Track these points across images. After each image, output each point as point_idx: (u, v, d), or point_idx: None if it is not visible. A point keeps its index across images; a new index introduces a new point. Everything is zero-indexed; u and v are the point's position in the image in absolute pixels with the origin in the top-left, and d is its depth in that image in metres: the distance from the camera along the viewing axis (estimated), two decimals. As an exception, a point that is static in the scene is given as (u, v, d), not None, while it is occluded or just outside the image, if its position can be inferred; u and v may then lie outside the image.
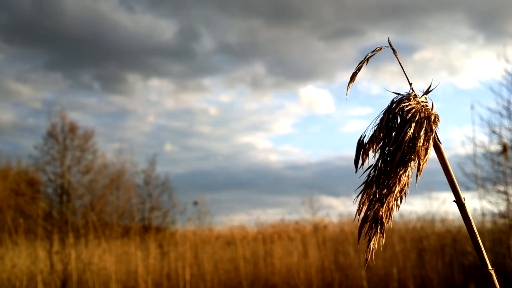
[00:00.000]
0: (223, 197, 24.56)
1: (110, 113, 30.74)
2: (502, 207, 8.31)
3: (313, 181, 26.23)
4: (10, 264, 9.19)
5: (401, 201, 0.53)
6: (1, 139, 31.49)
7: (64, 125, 16.36)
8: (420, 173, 0.53)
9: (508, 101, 8.27)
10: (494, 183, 8.33)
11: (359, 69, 0.61)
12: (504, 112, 8.30)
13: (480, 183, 8.22)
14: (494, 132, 8.36)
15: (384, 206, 0.50)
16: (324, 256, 9.26)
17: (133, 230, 11.20)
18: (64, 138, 16.17)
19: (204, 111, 31.31)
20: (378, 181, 0.51)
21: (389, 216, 0.52)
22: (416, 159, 0.52)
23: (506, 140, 8.17)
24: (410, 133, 0.51)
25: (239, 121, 32.03)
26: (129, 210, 15.85)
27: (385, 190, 0.50)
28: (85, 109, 28.01)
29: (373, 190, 0.51)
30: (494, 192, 8.37)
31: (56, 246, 9.49)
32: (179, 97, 31.21)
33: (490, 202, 8.38)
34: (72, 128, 16.42)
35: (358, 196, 0.52)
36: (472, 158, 8.23)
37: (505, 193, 8.04)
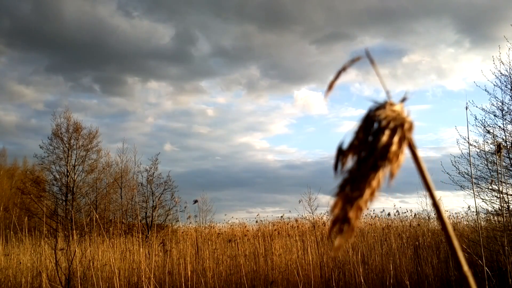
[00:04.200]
0: (223, 195, 24.71)
1: (111, 114, 30.98)
2: (496, 205, 8.40)
3: (310, 180, 26.38)
4: (16, 261, 9.38)
5: (370, 203, 0.55)
6: (6, 139, 31.79)
7: (69, 126, 16.62)
8: (393, 177, 0.55)
9: (502, 102, 8.42)
10: (490, 182, 8.40)
11: (336, 78, 0.62)
12: (498, 113, 8.43)
13: (475, 181, 8.35)
14: (488, 132, 8.49)
15: (354, 207, 0.54)
16: (322, 252, 9.38)
17: (136, 228, 11.40)
18: (69, 138, 16.41)
19: (202, 112, 31.50)
20: (351, 184, 0.54)
21: (357, 217, 0.54)
22: (388, 164, 0.54)
23: (500, 140, 8.29)
24: (383, 140, 0.55)
25: (236, 122, 32.17)
26: (132, 208, 16.08)
27: (357, 193, 0.54)
28: (87, 110, 28.29)
29: (346, 193, 0.54)
30: (488, 190, 8.45)
31: (61, 243, 9.66)
32: (177, 99, 31.40)
33: (484, 200, 8.47)
34: (77, 128, 16.65)
35: (332, 198, 0.55)
36: (467, 157, 8.38)
37: (499, 191, 8.11)
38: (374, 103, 0.58)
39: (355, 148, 0.56)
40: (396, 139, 0.55)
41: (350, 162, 0.57)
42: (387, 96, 0.59)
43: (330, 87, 0.63)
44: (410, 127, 0.57)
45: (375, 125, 0.56)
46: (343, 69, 0.62)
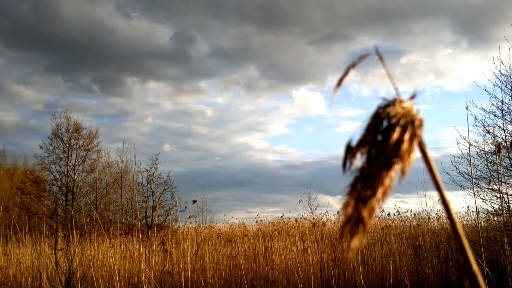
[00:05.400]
0: (223, 195, 24.70)
1: (110, 115, 30.99)
2: (496, 205, 8.40)
3: (309, 180, 26.42)
4: (16, 261, 9.38)
5: (383, 202, 0.54)
6: (5, 139, 31.77)
7: (69, 126, 16.63)
8: (404, 175, 0.54)
9: (502, 102, 8.43)
10: (489, 182, 8.41)
11: (345, 75, 0.61)
12: (498, 113, 8.45)
13: (475, 181, 8.36)
14: (488, 132, 8.50)
15: (367, 207, 0.52)
16: (322, 252, 9.38)
17: (136, 228, 11.40)
18: (69, 138, 16.42)
19: (201, 112, 31.54)
20: (363, 183, 0.53)
21: (370, 216, 0.53)
22: (400, 162, 0.53)
23: (500, 140, 8.30)
24: (394, 138, 0.54)
25: (235, 122, 32.21)
26: (132, 208, 16.08)
27: (369, 192, 0.53)
28: (86, 110, 28.31)
29: (358, 191, 0.53)
30: (488, 190, 8.46)
31: (61, 243, 9.66)
32: (176, 99, 31.42)
33: (484, 200, 8.48)
34: (77, 128, 16.66)
35: (343, 197, 0.54)
36: (467, 157, 8.39)
37: (499, 191, 8.12)
38: (383, 100, 0.57)
39: (365, 145, 0.55)
40: (407, 136, 0.54)
41: (358, 160, 0.56)
42: (396, 93, 0.58)
43: (339, 84, 0.62)
44: (420, 124, 0.56)
45: (385, 122, 0.55)
46: (352, 65, 0.61)
